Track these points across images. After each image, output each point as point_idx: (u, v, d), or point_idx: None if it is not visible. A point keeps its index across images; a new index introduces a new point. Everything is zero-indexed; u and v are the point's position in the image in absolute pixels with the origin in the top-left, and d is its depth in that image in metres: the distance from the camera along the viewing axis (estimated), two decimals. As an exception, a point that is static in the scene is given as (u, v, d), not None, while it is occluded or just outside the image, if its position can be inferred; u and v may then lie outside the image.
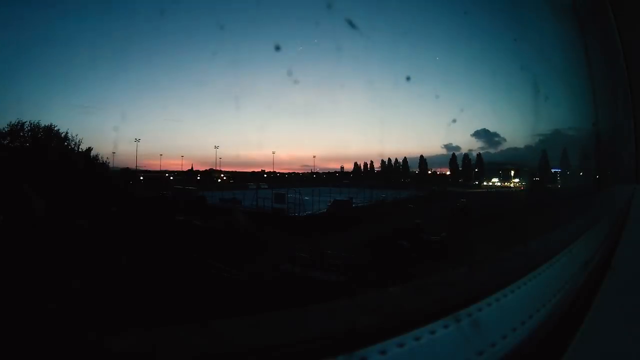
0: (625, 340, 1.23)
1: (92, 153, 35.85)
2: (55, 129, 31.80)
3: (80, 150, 33.77)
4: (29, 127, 29.51)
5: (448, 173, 65.05)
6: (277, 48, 52.22)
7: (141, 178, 45.11)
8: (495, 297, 1.23)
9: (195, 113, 64.89)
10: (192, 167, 61.12)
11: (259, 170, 67.00)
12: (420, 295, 1.11)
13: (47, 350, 0.63)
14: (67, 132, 32.84)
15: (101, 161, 37.42)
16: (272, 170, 64.83)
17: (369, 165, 75.82)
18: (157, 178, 46.93)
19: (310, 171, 67.42)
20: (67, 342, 0.67)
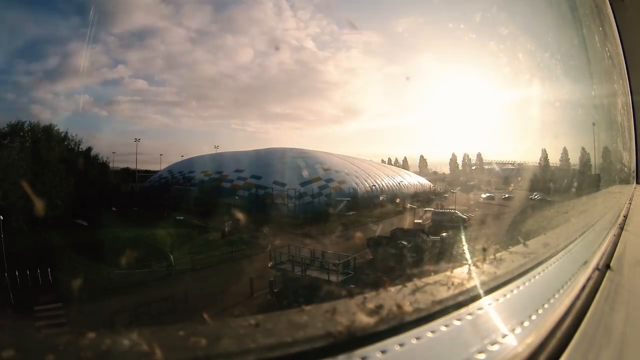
0: (625, 339, 1.23)
1: (92, 153, 35.93)
2: (55, 128, 31.82)
3: (80, 149, 33.80)
4: (28, 127, 29.52)
5: (448, 172, 64.95)
6: (277, 48, 52.21)
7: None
8: (495, 297, 1.23)
9: (195, 112, 64.88)
10: (191, 167, 61.05)
11: (259, 170, 66.97)
12: (420, 295, 1.11)
13: (48, 350, 0.63)
14: (66, 132, 32.89)
15: (101, 161, 37.48)
16: (272, 170, 64.68)
17: (369, 165, 75.59)
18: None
19: (310, 171, 67.30)
20: (68, 342, 0.67)
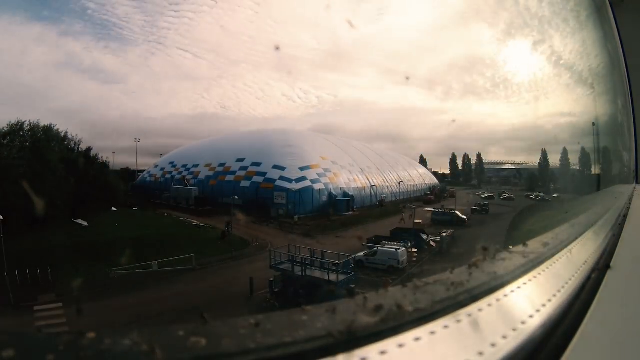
0: (625, 339, 1.23)
1: (91, 153, 35.88)
2: (55, 128, 31.79)
3: (80, 149, 33.77)
4: (28, 127, 29.48)
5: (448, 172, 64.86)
6: (277, 48, 52.24)
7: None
8: (495, 297, 1.23)
9: (195, 112, 64.86)
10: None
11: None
12: (420, 295, 1.11)
13: (48, 350, 0.63)
14: (66, 132, 32.86)
15: (101, 160, 37.46)
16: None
17: (369, 165, 75.47)
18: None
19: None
20: (68, 342, 0.67)
